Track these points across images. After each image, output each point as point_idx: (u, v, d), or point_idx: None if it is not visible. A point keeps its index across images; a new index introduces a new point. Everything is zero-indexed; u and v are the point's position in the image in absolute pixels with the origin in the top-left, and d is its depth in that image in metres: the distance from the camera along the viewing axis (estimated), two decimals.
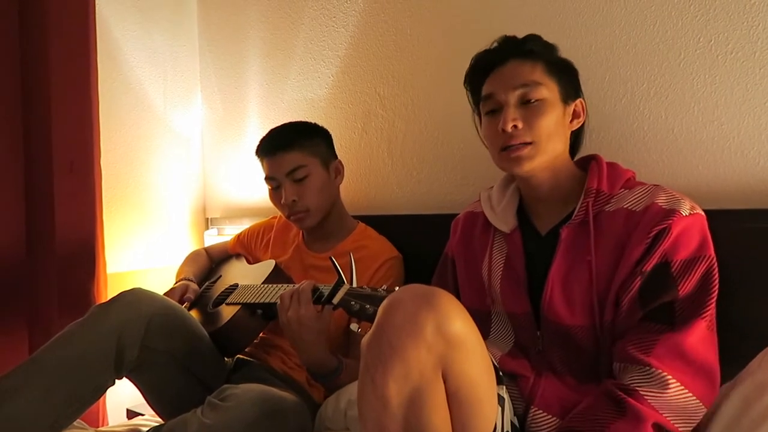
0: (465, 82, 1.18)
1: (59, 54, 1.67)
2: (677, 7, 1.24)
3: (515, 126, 1.04)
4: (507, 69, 1.08)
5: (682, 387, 0.89)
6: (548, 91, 1.06)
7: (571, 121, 1.11)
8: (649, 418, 0.87)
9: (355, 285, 1.15)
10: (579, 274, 1.01)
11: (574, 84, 1.12)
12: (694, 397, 0.89)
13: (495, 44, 1.14)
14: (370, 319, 1.05)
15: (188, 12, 2.21)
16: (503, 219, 1.15)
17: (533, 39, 1.11)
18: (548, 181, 1.09)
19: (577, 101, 1.11)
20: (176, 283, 1.62)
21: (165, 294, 1.55)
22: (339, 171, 1.55)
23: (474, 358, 0.83)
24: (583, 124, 1.15)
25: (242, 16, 2.10)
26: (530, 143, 1.04)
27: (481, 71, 1.13)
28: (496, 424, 0.88)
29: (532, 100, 1.05)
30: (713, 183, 1.21)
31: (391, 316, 0.81)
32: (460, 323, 0.81)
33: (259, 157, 1.54)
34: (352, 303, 1.08)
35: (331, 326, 1.27)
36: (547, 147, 1.05)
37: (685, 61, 1.24)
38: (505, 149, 1.06)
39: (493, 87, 1.09)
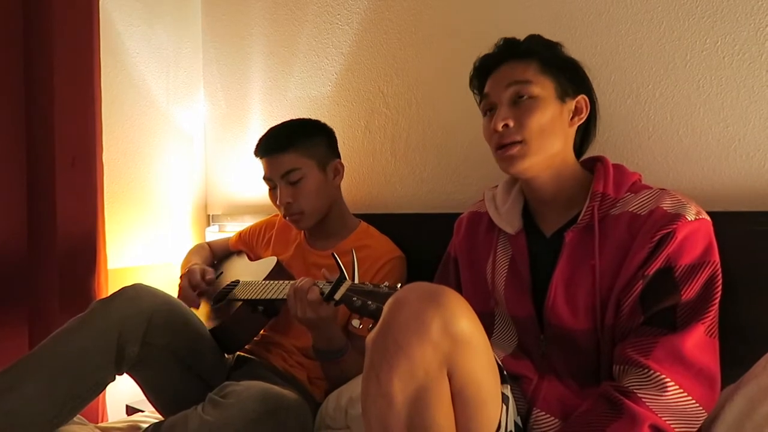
0: (470, 85, 1.19)
1: (62, 49, 1.67)
2: (683, 8, 1.24)
3: (506, 125, 1.05)
4: (503, 70, 1.10)
5: (681, 390, 0.88)
6: (541, 88, 1.05)
7: (572, 119, 1.09)
8: (646, 419, 0.86)
9: (357, 281, 1.14)
10: (582, 277, 1.00)
11: (575, 80, 1.10)
12: (693, 401, 0.88)
13: (495, 47, 1.14)
14: (372, 315, 1.05)
15: (192, 8, 2.21)
16: (508, 220, 1.14)
17: (531, 38, 1.12)
18: (551, 183, 1.08)
19: (579, 98, 1.09)
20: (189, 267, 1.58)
21: (183, 275, 1.54)
22: (338, 171, 1.53)
23: (479, 357, 0.83)
24: (590, 122, 1.13)
25: (246, 12, 2.10)
26: (520, 142, 1.04)
27: (482, 74, 1.14)
28: (500, 423, 0.88)
29: (524, 97, 1.05)
30: (718, 185, 1.21)
31: (397, 314, 0.80)
32: (466, 322, 0.80)
33: (256, 156, 1.54)
34: (354, 299, 1.08)
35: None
36: (541, 145, 1.04)
37: (690, 62, 1.24)
38: (499, 148, 1.07)
39: (489, 87, 1.11)
